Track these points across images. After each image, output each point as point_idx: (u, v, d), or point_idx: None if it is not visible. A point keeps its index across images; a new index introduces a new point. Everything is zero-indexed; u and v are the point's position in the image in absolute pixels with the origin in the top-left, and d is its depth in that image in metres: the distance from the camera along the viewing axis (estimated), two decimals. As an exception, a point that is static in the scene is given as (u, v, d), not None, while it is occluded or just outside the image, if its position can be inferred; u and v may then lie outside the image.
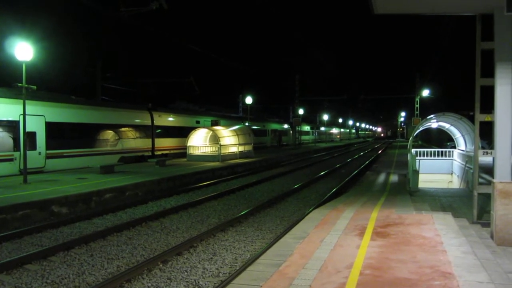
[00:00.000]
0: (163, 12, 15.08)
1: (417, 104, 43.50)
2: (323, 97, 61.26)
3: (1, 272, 7.27)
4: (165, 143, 28.72)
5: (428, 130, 39.76)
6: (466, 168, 16.61)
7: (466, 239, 7.56)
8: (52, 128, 19.19)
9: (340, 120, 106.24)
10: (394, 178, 19.45)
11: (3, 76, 25.45)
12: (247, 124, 38.81)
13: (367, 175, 21.33)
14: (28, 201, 11.35)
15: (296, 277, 5.71)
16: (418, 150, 21.81)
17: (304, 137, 62.47)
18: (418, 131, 21.21)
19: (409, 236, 7.82)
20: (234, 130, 29.41)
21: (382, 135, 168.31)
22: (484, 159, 9.90)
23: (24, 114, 14.84)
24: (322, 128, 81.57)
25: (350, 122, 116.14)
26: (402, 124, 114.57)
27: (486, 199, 9.58)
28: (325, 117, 71.80)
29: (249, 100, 38.47)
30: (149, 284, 6.85)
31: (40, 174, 17.82)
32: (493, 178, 8.14)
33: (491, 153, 8.48)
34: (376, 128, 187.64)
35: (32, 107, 17.79)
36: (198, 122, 32.91)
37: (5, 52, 20.64)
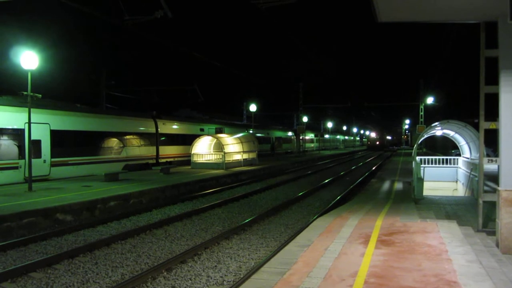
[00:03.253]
0: (168, 20, 15.16)
1: (421, 111, 43.44)
2: (327, 105, 61.26)
3: (6, 280, 7.29)
4: (170, 151, 28.77)
5: (432, 138, 39.68)
6: (471, 176, 16.54)
7: (471, 247, 7.52)
8: (57, 136, 19.28)
9: (345, 128, 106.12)
10: (398, 185, 19.39)
11: (9, 85, 25.67)
12: (251, 131, 38.86)
13: (372, 183, 21.27)
14: (33, 209, 11.39)
15: (300, 285, 5.70)
16: (422, 157, 21.74)
17: (308, 145, 62.41)
18: (422, 138, 21.16)
19: (414, 244, 7.78)
20: (238, 138, 29.44)
21: (377, 142, 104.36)
22: (489, 166, 9.87)
23: (29, 122, 14.92)
24: (326, 136, 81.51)
25: (354, 130, 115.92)
26: (407, 131, 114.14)
27: (491, 207, 9.53)
28: (329, 124, 71.82)
29: (253, 107, 38.56)
30: (153, 292, 6.84)
31: (45, 182, 17.88)
32: (498, 186, 8.11)
33: (496, 160, 8.45)
34: (369, 132, 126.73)
35: (37, 115, 17.91)
36: (202, 129, 32.99)
37: (10, 60, 20.84)
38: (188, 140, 29.22)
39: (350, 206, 12.98)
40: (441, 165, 21.80)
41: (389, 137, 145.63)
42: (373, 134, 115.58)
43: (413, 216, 10.79)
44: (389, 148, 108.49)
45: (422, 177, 16.18)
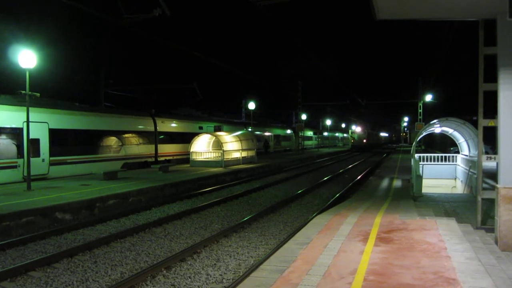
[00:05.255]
0: (166, 18, 15.14)
1: (420, 109, 43.46)
2: (326, 103, 61.27)
3: (5, 279, 7.29)
4: (168, 149, 28.76)
5: (431, 135, 39.71)
6: (470, 173, 16.56)
7: (470, 244, 7.54)
8: (55, 135, 19.25)
9: (344, 126, 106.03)
10: (397, 183, 19.40)
11: (7, 84, 25.61)
12: (250, 129, 38.83)
13: (371, 180, 21.28)
14: (31, 208, 11.38)
15: (299, 283, 5.70)
16: (421, 155, 21.76)
17: (307, 142, 62.41)
18: (421, 136, 21.18)
19: (413, 241, 7.79)
20: (237, 136, 29.43)
21: (364, 140, 75.86)
22: (488, 164, 9.88)
23: (27, 121, 14.90)
24: (325, 133, 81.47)
25: (353, 127, 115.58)
26: (405, 129, 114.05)
27: (490, 204, 9.55)
28: (328, 122, 71.80)
29: (252, 106, 38.52)
30: (153, 291, 6.84)
31: (44, 181, 17.86)
32: (497, 183, 8.12)
33: (494, 158, 8.46)
34: (354, 126, 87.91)
35: (36, 114, 17.87)
36: (201, 128, 32.97)
37: (8, 59, 20.79)
38: (187, 138, 29.20)
39: (349, 204, 12.99)
40: (440, 163, 21.83)
41: (385, 134, 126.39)
42: (358, 129, 78.13)
43: (412, 214, 10.81)
44: (388, 146, 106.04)
45: (421, 174, 16.19)
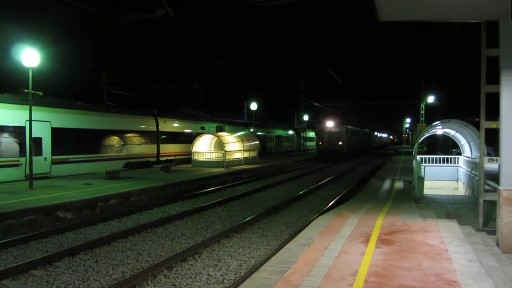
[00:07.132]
0: (169, 19, 15.16)
1: (422, 110, 43.38)
2: (328, 103, 61.12)
3: (6, 278, 7.31)
4: (170, 149, 28.78)
5: (433, 137, 39.65)
6: (472, 175, 16.54)
7: (472, 246, 7.53)
8: (57, 134, 19.28)
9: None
10: (399, 184, 19.39)
11: (10, 82, 25.67)
12: (252, 130, 38.83)
13: (372, 182, 21.27)
14: (33, 206, 11.40)
15: (300, 284, 5.71)
16: (423, 156, 21.73)
17: (309, 143, 62.36)
18: (423, 137, 21.15)
19: (414, 243, 7.79)
20: (239, 136, 29.43)
21: (340, 142, 44.29)
22: (490, 166, 9.87)
23: (30, 120, 14.94)
24: None
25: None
26: (408, 130, 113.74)
27: (492, 206, 9.53)
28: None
29: (254, 106, 38.52)
30: (154, 291, 6.85)
31: (46, 179, 17.89)
32: (498, 185, 8.11)
33: (496, 160, 8.46)
34: (324, 122, 47.66)
35: (38, 113, 17.90)
36: (203, 128, 32.99)
37: (12, 58, 20.83)
38: (189, 138, 29.24)
39: (351, 205, 12.99)
40: (441, 164, 21.80)
41: (382, 135, 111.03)
42: (329, 125, 47.38)
43: (414, 215, 10.80)
44: (389, 147, 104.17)
45: (423, 176, 16.17)
